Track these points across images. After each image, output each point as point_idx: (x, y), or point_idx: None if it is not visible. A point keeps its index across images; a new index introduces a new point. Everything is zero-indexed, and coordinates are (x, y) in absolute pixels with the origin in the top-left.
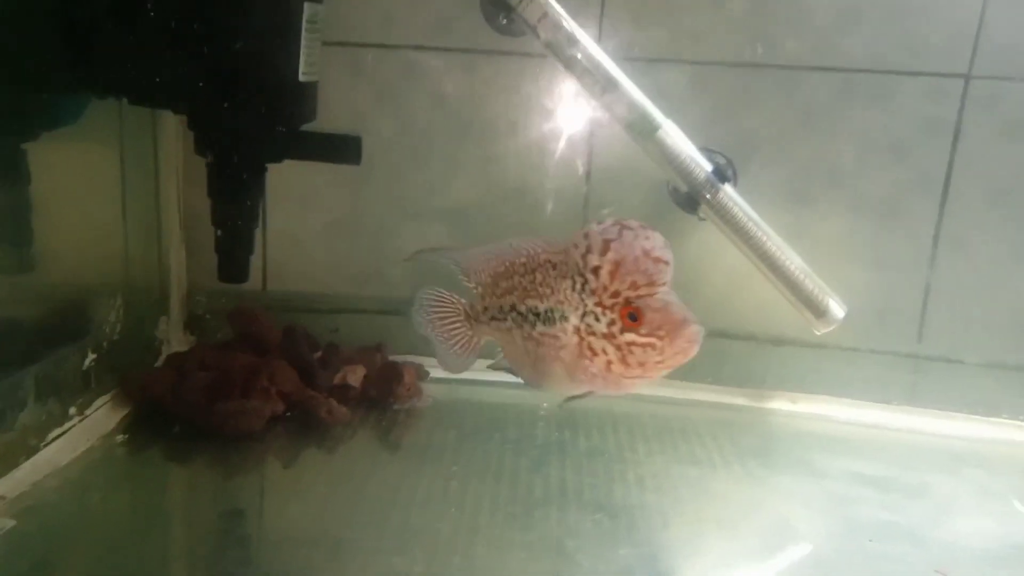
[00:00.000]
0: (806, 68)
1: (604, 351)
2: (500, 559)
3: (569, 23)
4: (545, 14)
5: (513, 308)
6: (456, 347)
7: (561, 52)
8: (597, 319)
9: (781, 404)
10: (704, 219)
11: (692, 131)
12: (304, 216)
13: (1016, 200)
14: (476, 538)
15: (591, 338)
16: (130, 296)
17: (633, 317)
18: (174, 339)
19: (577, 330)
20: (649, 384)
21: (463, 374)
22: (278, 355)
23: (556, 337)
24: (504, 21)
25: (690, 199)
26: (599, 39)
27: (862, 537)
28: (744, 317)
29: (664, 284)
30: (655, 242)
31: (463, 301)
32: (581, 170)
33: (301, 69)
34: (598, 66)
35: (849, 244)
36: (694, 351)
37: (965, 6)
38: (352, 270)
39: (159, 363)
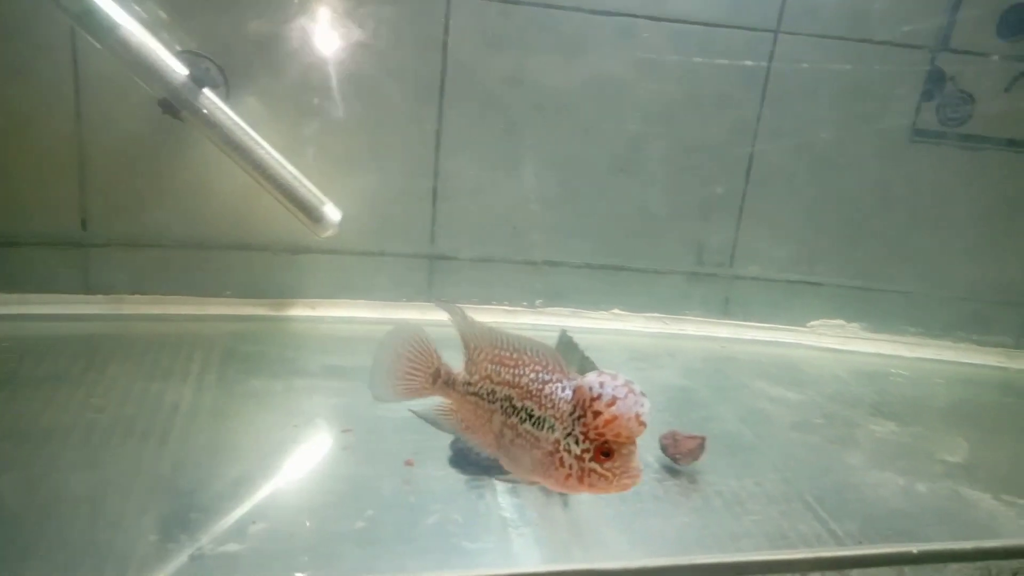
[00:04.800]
0: None
1: (569, 467)
2: None
3: None
4: None
5: (508, 400)
6: (401, 386)
7: None
8: (576, 443)
9: (302, 311)
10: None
11: (189, 37)
12: None
13: (499, 111)
14: None
15: (564, 453)
16: None
17: (605, 455)
18: None
19: (556, 442)
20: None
21: None
22: None
23: (537, 438)
24: None
25: (169, 104)
26: None
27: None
28: (259, 227)
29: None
30: (645, 408)
31: (441, 362)
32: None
33: None
34: None
35: (362, 153)
36: (628, 489)
37: None
38: None
39: None
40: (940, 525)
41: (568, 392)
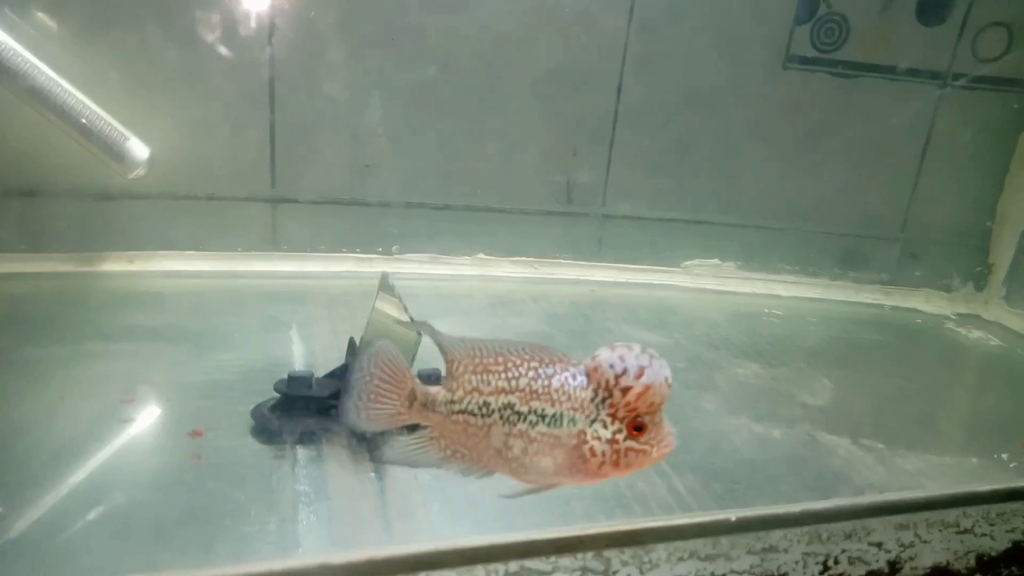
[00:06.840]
0: None
1: (603, 453)
2: None
3: None
4: None
5: (509, 407)
6: (373, 412)
7: None
8: (605, 427)
9: (116, 266)
10: None
11: None
12: None
13: (343, 36)
14: None
15: (595, 442)
16: None
17: (638, 429)
18: None
19: (582, 433)
20: None
21: None
22: None
23: (556, 437)
24: None
25: None
26: None
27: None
28: (55, 170)
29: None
30: (669, 371)
31: (416, 382)
32: None
33: None
34: None
35: (183, 82)
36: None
37: None
38: None
39: None
40: (792, 475)
41: (580, 379)
